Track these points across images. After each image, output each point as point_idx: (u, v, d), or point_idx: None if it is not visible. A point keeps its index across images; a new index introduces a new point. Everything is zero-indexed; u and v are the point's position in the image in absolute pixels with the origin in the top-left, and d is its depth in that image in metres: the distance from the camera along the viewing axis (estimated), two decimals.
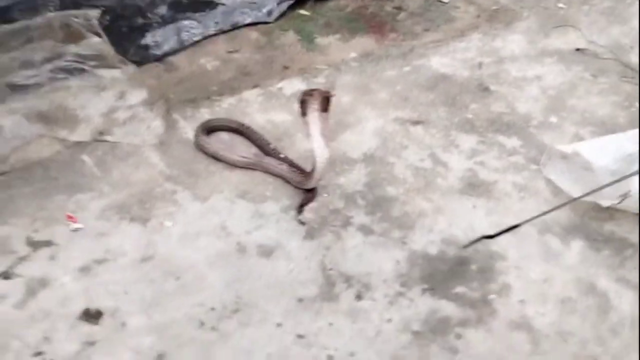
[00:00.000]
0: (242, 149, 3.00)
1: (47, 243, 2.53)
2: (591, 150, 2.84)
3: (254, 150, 3.01)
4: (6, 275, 2.41)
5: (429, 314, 2.40)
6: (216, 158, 2.93)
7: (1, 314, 2.30)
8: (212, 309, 2.37)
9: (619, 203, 2.68)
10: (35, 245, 2.52)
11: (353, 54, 3.70)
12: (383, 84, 3.47)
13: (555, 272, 2.58)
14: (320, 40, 3.80)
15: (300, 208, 2.74)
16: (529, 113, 3.33)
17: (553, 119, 3.31)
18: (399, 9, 4.11)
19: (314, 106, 2.66)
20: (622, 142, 2.84)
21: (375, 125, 3.20)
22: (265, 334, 2.31)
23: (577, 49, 3.79)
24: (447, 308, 2.43)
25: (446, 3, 4.18)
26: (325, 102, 2.69)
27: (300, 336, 2.31)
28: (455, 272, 2.56)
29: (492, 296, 2.48)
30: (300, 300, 2.42)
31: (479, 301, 2.46)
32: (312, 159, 2.73)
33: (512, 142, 3.16)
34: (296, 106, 2.79)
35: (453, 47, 3.79)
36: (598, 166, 2.74)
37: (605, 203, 2.71)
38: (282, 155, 2.95)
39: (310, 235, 2.66)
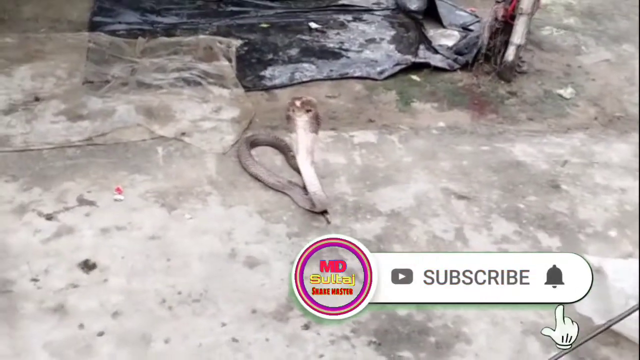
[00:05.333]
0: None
1: (91, 203, 3.03)
2: (616, 269, 2.62)
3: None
4: (49, 217, 2.94)
5: None
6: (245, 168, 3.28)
7: (30, 244, 2.81)
8: (179, 292, 2.63)
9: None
10: (82, 202, 3.03)
11: (441, 124, 3.78)
12: (451, 155, 3.50)
13: None
14: (417, 105, 3.94)
15: (325, 213, 3.03)
16: (589, 220, 3.12)
17: (612, 233, 3.06)
18: (513, 94, 4.09)
19: (303, 127, 2.98)
20: None
21: (420, 189, 3.25)
22: (207, 327, 2.51)
23: None
24: None
25: (567, 99, 4.06)
26: (315, 123, 2.97)
27: (234, 339, 2.46)
28: (411, 337, 2.52)
29: None
30: (253, 311, 2.58)
31: None
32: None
33: (551, 241, 2.99)
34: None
35: (547, 140, 3.69)
36: (614, 286, 2.54)
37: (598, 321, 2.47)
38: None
39: None
